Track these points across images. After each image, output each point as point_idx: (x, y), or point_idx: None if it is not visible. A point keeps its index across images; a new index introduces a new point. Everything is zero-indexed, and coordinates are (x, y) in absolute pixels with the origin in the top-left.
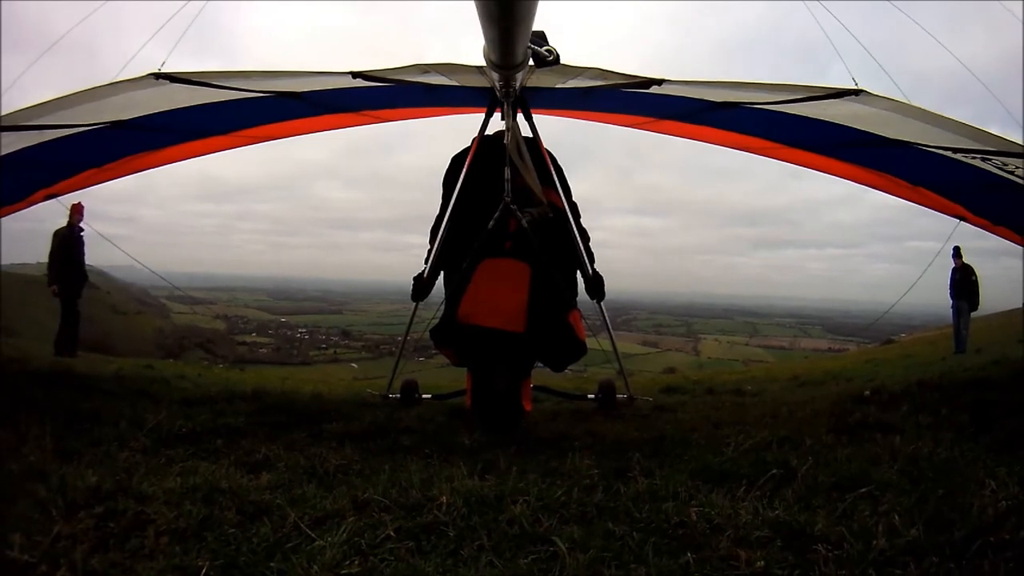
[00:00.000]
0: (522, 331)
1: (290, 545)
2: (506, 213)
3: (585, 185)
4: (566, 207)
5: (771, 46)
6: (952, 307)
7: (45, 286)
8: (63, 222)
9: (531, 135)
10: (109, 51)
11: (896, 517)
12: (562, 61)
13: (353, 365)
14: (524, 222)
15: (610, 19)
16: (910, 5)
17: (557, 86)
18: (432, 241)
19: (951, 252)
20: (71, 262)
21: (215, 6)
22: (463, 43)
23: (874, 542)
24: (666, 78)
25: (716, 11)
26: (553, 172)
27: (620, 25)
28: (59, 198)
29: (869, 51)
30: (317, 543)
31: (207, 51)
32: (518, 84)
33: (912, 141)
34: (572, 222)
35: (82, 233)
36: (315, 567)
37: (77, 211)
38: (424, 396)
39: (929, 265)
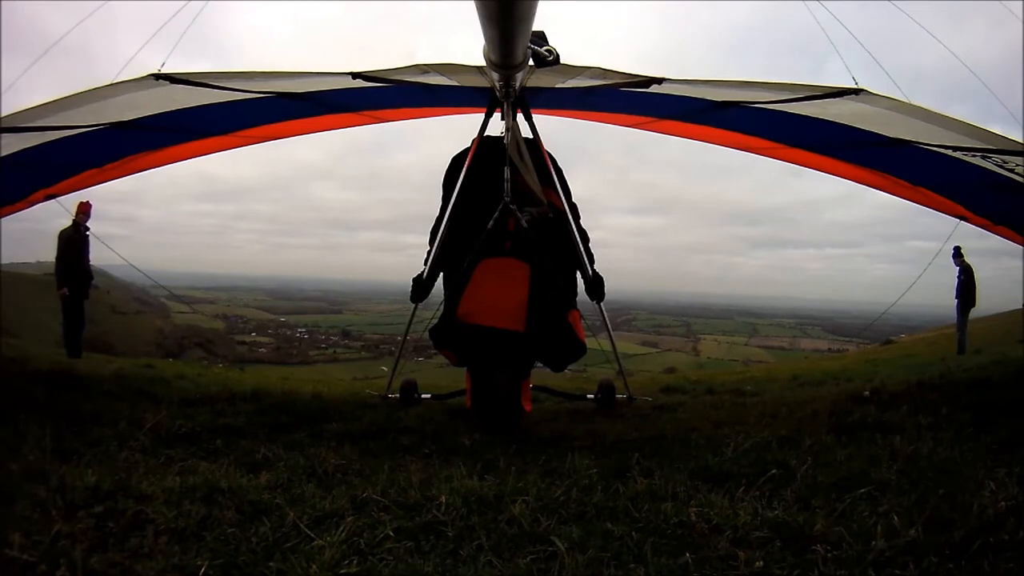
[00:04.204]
0: (522, 330)
1: (289, 545)
2: (505, 213)
3: (583, 184)
4: (566, 208)
5: (766, 43)
6: (957, 308)
7: (44, 286)
8: (63, 222)
9: (531, 135)
10: (102, 53)
11: (895, 517)
12: (561, 61)
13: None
14: (523, 222)
15: (605, 17)
16: (909, 4)
17: (557, 86)
18: (432, 242)
19: (952, 252)
20: (78, 263)
21: (208, 5)
22: (454, 40)
23: (873, 542)
24: (666, 77)
25: (710, 8)
26: (553, 173)
27: (615, 23)
28: (58, 198)
29: (867, 48)
30: (316, 543)
31: (200, 51)
32: (518, 84)
33: (912, 140)
34: (572, 223)
35: (88, 232)
36: (314, 567)
37: (83, 210)
38: (424, 396)
39: (928, 265)
